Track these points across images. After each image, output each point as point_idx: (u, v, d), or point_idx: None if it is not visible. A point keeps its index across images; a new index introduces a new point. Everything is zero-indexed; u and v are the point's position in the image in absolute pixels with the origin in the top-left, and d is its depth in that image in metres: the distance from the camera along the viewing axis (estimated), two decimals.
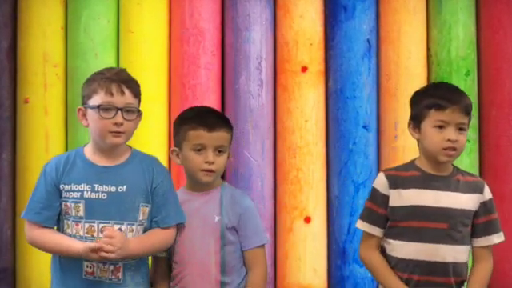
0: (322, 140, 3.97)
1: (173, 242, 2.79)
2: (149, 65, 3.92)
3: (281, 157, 3.96)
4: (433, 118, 2.68)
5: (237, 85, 3.93)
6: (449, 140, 2.66)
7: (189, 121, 2.82)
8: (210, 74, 3.93)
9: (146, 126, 3.81)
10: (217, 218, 2.78)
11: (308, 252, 3.89)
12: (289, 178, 3.92)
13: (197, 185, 2.83)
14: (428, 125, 2.70)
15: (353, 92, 3.93)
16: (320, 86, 3.98)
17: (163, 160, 3.87)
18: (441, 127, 2.68)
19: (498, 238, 2.79)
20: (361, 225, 2.81)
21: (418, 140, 2.76)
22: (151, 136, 3.88)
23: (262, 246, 2.84)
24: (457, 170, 2.78)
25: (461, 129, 2.69)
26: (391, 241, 2.75)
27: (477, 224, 2.75)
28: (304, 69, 3.93)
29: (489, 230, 2.76)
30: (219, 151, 2.79)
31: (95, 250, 2.60)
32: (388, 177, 2.76)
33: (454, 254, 2.70)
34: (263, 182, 3.89)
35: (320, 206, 3.93)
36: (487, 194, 2.78)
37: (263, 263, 2.83)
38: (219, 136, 2.79)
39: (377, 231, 2.77)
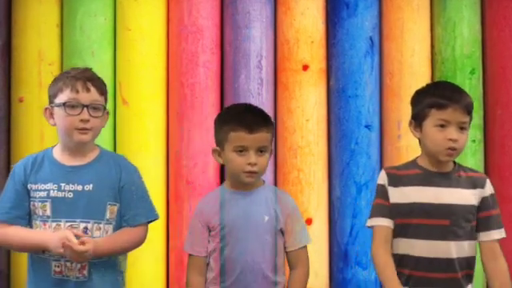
0: (324, 140, 3.94)
1: (144, 238, 2.80)
2: (146, 63, 3.89)
3: (281, 157, 3.93)
4: (434, 117, 2.70)
5: (236, 83, 3.90)
6: (450, 139, 2.68)
7: (229, 122, 2.79)
8: (208, 72, 3.90)
9: (143, 124, 3.83)
10: (266, 218, 2.77)
11: (309, 254, 3.79)
12: (290, 178, 3.89)
13: (239, 184, 2.81)
14: (429, 124, 2.71)
15: (355, 91, 3.90)
16: (321, 84, 3.95)
17: (162, 159, 3.84)
18: (442, 126, 2.69)
19: (498, 234, 2.78)
20: (371, 222, 2.80)
21: (420, 139, 2.78)
22: (149, 135, 3.85)
23: (306, 246, 2.83)
24: (458, 166, 2.80)
25: (462, 128, 2.71)
26: (394, 238, 2.75)
27: (478, 219, 2.76)
28: (305, 67, 3.91)
29: (489, 225, 2.76)
30: (261, 151, 2.76)
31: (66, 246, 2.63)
32: (388, 174, 2.79)
33: (458, 249, 2.71)
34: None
35: (321, 208, 3.90)
36: (488, 189, 2.79)
37: (307, 263, 2.82)
38: (260, 137, 2.75)
39: (388, 222, 2.76)
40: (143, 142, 3.80)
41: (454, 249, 2.70)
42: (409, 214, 2.72)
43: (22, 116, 3.88)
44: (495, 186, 3.86)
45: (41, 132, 3.85)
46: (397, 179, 2.76)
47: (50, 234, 2.69)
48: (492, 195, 2.79)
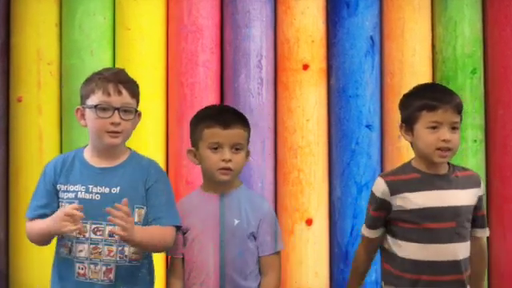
0: (324, 140, 3.92)
1: (172, 242, 2.75)
2: (146, 63, 3.87)
3: (281, 157, 3.91)
4: (425, 119, 2.70)
5: (236, 83, 3.88)
6: (443, 140, 2.68)
7: (204, 119, 2.79)
8: (208, 72, 3.88)
9: (143, 124, 3.74)
10: (236, 222, 2.73)
11: (309, 255, 3.83)
12: (290, 178, 3.86)
13: (214, 185, 2.78)
14: (421, 126, 2.72)
15: (355, 90, 3.88)
16: (322, 84, 3.93)
17: (161, 159, 3.83)
18: (434, 128, 2.70)
19: (482, 233, 2.82)
20: (369, 234, 2.82)
21: (412, 142, 2.78)
22: (148, 135, 3.82)
23: (279, 252, 2.80)
24: (453, 166, 2.80)
25: (454, 128, 2.71)
26: (401, 242, 2.75)
27: (475, 216, 2.79)
28: (305, 67, 3.88)
29: (483, 223, 2.81)
30: (236, 149, 2.74)
31: (69, 215, 2.59)
32: (388, 183, 2.76)
33: (462, 250, 2.73)
34: (263, 183, 3.84)
35: (322, 208, 3.88)
36: (482, 188, 2.82)
37: (278, 270, 2.79)
38: (235, 133, 2.74)
39: (376, 233, 2.80)
40: (143, 142, 3.77)
41: (460, 250, 2.71)
42: (417, 219, 2.71)
43: (21, 116, 3.85)
44: (496, 186, 3.90)
45: (39, 132, 3.83)
46: (398, 186, 2.75)
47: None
48: (483, 196, 2.83)
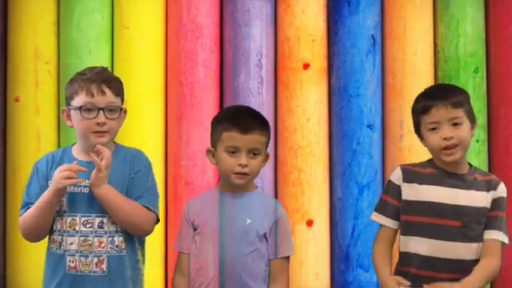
0: (325, 140, 3.91)
1: (149, 227, 2.76)
2: (145, 62, 3.86)
3: (282, 157, 3.89)
4: (424, 122, 2.72)
5: (236, 82, 3.86)
6: (445, 139, 2.67)
7: (223, 122, 2.77)
8: (208, 71, 3.87)
9: (141, 124, 3.79)
10: (248, 221, 2.73)
11: (310, 256, 3.82)
12: (290, 179, 3.85)
13: (230, 186, 2.78)
14: (424, 130, 2.73)
15: (357, 90, 3.86)
16: (322, 83, 3.91)
17: (160, 159, 3.82)
18: (434, 129, 2.69)
19: (496, 235, 2.75)
20: (375, 217, 2.82)
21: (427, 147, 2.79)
22: (147, 135, 3.82)
23: (288, 257, 2.79)
24: (474, 168, 2.80)
25: (455, 124, 2.69)
26: (404, 237, 2.75)
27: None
28: (306, 66, 3.87)
29: (492, 224, 2.75)
30: (253, 154, 2.73)
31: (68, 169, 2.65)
32: (403, 170, 2.79)
33: (466, 251, 2.71)
34: (263, 183, 3.82)
35: (323, 209, 3.86)
36: (500, 191, 2.78)
37: (287, 275, 2.78)
38: (253, 138, 2.73)
39: (391, 223, 2.78)
40: (141, 142, 3.74)
41: (463, 250, 2.69)
42: (421, 212, 2.71)
43: (18, 116, 3.85)
44: None
45: (37, 132, 3.82)
46: (411, 175, 2.76)
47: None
48: (502, 198, 2.77)
